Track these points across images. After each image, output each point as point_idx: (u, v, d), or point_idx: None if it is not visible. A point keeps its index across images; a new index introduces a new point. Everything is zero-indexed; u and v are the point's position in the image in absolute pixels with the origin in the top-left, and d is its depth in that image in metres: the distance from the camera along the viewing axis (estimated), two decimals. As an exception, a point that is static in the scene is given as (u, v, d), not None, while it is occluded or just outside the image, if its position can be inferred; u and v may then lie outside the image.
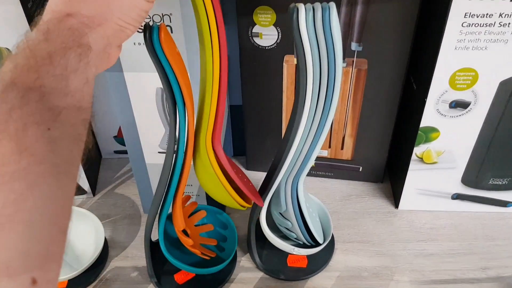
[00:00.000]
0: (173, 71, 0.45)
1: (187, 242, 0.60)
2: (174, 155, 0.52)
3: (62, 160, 0.29)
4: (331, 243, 0.70)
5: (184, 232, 0.62)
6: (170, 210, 0.58)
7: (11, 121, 0.27)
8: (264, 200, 0.61)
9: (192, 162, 0.54)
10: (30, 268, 0.27)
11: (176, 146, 0.52)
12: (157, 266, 0.65)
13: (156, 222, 0.60)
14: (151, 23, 0.43)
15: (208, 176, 0.55)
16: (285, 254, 0.68)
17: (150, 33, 0.42)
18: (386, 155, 0.76)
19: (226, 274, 0.66)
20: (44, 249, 0.28)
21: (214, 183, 0.56)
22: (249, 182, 0.62)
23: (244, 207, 0.59)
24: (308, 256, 0.68)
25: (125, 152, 0.87)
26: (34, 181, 0.27)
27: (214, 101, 0.50)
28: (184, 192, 0.58)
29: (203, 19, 0.44)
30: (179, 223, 0.58)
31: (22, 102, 0.27)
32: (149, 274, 0.66)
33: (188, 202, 0.63)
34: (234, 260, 0.68)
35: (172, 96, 0.47)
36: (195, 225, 0.66)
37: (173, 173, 0.54)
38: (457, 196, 0.73)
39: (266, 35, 0.64)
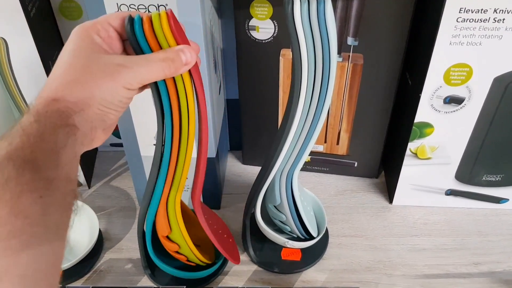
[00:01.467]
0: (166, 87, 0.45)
1: (172, 247, 0.59)
2: (159, 163, 0.52)
3: (53, 224, 0.32)
4: (325, 237, 0.70)
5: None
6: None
7: (7, 189, 0.30)
8: (259, 193, 0.61)
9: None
10: None
11: (161, 153, 0.51)
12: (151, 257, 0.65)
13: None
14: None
15: (174, 229, 0.57)
16: (279, 248, 0.68)
17: (132, 25, 0.40)
18: (381, 150, 0.76)
19: (220, 267, 0.66)
20: None
21: (178, 238, 0.58)
22: (229, 238, 0.64)
23: (204, 263, 0.62)
24: (302, 250, 0.68)
25: (121, 145, 0.87)
26: (28, 240, 0.30)
27: (188, 159, 0.51)
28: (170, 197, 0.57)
29: (181, 91, 0.46)
30: (164, 229, 0.57)
31: (17, 173, 0.31)
32: (143, 266, 0.66)
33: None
34: (225, 261, 0.67)
35: (160, 100, 0.47)
36: None
37: (158, 174, 0.53)
38: (451, 192, 0.73)
39: (263, 28, 0.64)
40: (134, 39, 0.40)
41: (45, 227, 0.32)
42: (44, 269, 0.31)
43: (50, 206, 0.32)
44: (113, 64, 0.38)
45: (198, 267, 0.64)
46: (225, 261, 0.67)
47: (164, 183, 0.53)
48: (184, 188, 0.54)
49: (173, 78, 0.45)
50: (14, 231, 0.30)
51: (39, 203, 0.31)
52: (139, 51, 0.41)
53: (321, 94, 0.51)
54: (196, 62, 0.44)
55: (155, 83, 0.45)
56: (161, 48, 0.41)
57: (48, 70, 0.64)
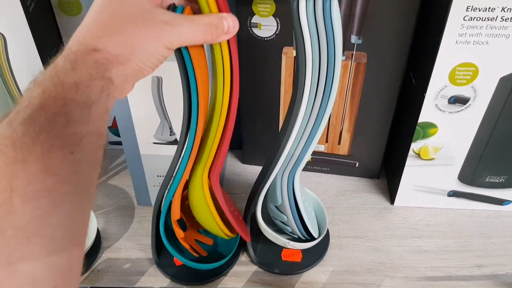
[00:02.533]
0: (192, 63, 0.44)
1: (178, 233, 0.60)
2: (185, 144, 0.52)
3: (83, 182, 0.31)
4: (326, 238, 0.70)
5: (182, 224, 0.61)
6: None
7: (38, 143, 0.29)
8: (260, 193, 0.60)
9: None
10: (53, 280, 0.29)
11: (186, 135, 0.51)
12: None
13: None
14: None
15: (199, 204, 0.56)
16: (279, 248, 0.67)
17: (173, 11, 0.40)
18: (383, 151, 0.75)
19: (225, 267, 0.65)
20: (65, 262, 0.30)
21: (204, 211, 0.57)
22: (239, 216, 0.63)
23: (228, 236, 0.61)
24: (303, 251, 0.67)
25: (119, 143, 0.86)
26: (57, 200, 0.29)
27: (217, 137, 0.51)
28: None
29: (218, 61, 0.45)
30: (175, 213, 0.57)
31: (49, 126, 0.30)
32: (152, 248, 0.66)
33: None
34: (235, 255, 0.67)
35: (188, 90, 0.47)
36: (196, 220, 0.65)
37: (180, 161, 0.53)
38: (453, 193, 0.73)
39: (265, 25, 0.63)
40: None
41: (75, 185, 0.31)
42: (73, 229, 0.30)
43: (81, 163, 0.31)
44: (159, 20, 0.37)
45: (211, 256, 0.64)
46: (233, 256, 0.66)
47: (187, 162, 0.53)
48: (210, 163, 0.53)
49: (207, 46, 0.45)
50: (44, 189, 0.29)
51: (70, 159, 0.30)
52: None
53: (325, 93, 0.50)
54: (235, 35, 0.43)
55: (180, 51, 0.44)
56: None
57: (46, 65, 0.63)
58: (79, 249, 0.32)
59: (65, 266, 0.30)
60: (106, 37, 0.35)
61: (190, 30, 0.39)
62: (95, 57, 0.34)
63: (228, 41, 0.43)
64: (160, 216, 0.60)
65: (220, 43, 0.43)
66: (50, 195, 0.29)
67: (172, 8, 0.40)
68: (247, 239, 0.63)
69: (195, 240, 0.65)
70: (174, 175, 0.55)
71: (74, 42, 0.35)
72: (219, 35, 0.41)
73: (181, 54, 0.44)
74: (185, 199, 0.60)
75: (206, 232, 0.66)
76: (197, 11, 0.41)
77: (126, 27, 0.35)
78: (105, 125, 0.35)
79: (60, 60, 0.33)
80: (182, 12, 0.40)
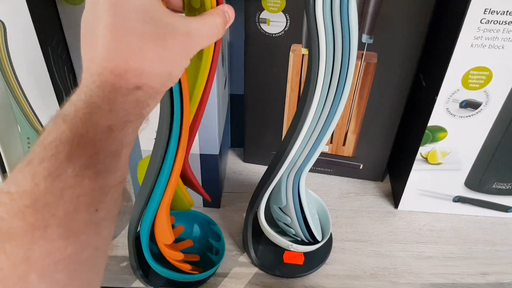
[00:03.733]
0: None
1: (177, 256, 0.55)
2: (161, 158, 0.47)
3: (103, 242, 0.28)
4: (329, 241, 0.68)
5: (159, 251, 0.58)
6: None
7: (62, 203, 0.26)
8: (263, 194, 0.58)
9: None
10: None
11: (165, 149, 0.46)
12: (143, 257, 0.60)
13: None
14: None
15: None
16: (281, 250, 0.65)
17: None
18: (388, 153, 0.74)
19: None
20: None
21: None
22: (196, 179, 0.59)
23: (191, 204, 0.56)
24: (305, 253, 0.66)
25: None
26: (75, 270, 0.26)
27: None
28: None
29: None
30: (168, 236, 0.52)
31: (75, 181, 0.26)
32: (132, 267, 0.62)
33: None
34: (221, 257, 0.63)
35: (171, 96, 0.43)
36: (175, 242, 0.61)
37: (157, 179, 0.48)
38: (459, 199, 0.71)
39: (274, 21, 0.61)
40: None
41: (95, 248, 0.27)
42: None
43: (104, 221, 0.28)
44: (183, 34, 0.32)
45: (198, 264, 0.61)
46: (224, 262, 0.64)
47: (170, 175, 0.48)
48: None
49: None
50: (63, 260, 0.25)
51: (94, 220, 0.27)
52: None
53: (336, 94, 0.48)
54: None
55: None
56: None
57: (46, 55, 0.61)
58: None
59: None
60: (146, 69, 0.29)
61: (209, 36, 0.35)
62: (137, 95, 0.29)
63: None
64: (140, 241, 0.55)
65: None
66: (69, 266, 0.26)
67: None
68: (208, 197, 0.58)
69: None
70: (151, 190, 0.49)
71: (110, 73, 0.29)
72: (225, 30, 0.38)
73: None
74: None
75: (190, 249, 0.62)
76: None
77: (162, 52, 0.30)
78: (127, 168, 0.30)
79: (95, 96, 0.28)
80: None
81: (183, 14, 0.39)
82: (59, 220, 0.25)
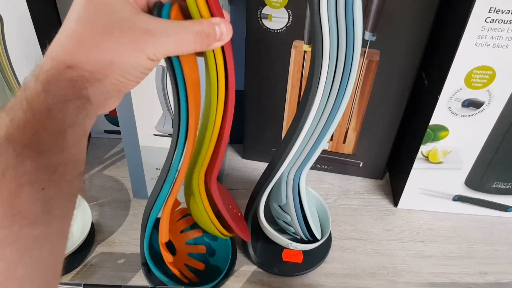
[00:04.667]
0: (183, 72, 0.39)
1: (166, 258, 0.55)
2: (170, 165, 0.48)
3: (56, 220, 0.28)
4: (328, 239, 0.68)
5: (172, 247, 0.58)
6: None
7: (5, 182, 0.26)
8: (263, 192, 0.58)
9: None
10: None
11: (173, 156, 0.47)
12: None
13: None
14: None
15: (195, 204, 0.53)
16: (280, 249, 0.65)
17: (159, 11, 0.35)
18: (388, 151, 0.73)
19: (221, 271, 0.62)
20: None
21: (200, 212, 0.53)
22: (240, 214, 0.60)
23: (226, 236, 0.57)
24: (304, 252, 0.65)
25: (115, 132, 0.83)
26: (25, 247, 0.26)
27: (214, 138, 0.47)
28: (177, 204, 0.54)
29: (212, 68, 0.41)
30: (163, 235, 0.53)
31: (17, 161, 0.27)
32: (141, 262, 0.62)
33: (184, 216, 0.59)
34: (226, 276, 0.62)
35: (178, 100, 0.42)
36: (186, 243, 0.61)
37: (165, 179, 0.49)
38: (459, 198, 0.71)
39: (276, 17, 0.60)
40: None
41: (46, 226, 0.27)
42: (44, 278, 0.27)
43: (53, 199, 0.28)
44: (140, 29, 0.32)
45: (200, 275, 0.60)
46: (222, 279, 0.62)
47: (175, 177, 0.49)
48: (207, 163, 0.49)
49: (201, 53, 0.40)
50: (10, 237, 0.25)
51: (40, 197, 0.27)
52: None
53: (339, 91, 0.48)
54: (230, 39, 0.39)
55: (170, 59, 0.39)
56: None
57: (44, 49, 0.60)
58: None
59: None
60: (80, 53, 0.31)
61: (178, 40, 0.34)
62: (69, 75, 0.30)
63: (222, 47, 0.39)
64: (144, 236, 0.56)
65: (213, 50, 0.39)
66: (17, 242, 0.26)
67: (158, 7, 0.35)
68: (247, 239, 0.60)
69: (185, 265, 0.61)
70: (160, 189, 0.51)
71: (46, 59, 0.31)
72: (211, 43, 0.36)
73: (171, 62, 0.39)
74: (174, 220, 0.57)
75: (198, 256, 0.62)
76: (186, 8, 0.36)
77: (103, 39, 0.31)
78: (83, 150, 0.31)
79: (30, 82, 0.30)
80: (169, 10, 0.35)
81: None
82: (2, 198, 0.26)
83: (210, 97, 0.44)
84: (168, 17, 0.35)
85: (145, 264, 0.61)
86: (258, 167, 0.80)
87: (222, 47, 0.39)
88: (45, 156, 0.28)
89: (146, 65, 0.33)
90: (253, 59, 0.67)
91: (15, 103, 0.29)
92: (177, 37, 0.34)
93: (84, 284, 0.54)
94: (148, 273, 0.62)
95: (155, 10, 0.35)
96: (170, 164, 0.48)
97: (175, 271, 0.57)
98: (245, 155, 0.81)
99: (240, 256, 0.66)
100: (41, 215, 0.27)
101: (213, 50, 0.39)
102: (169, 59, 0.39)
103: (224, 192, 0.59)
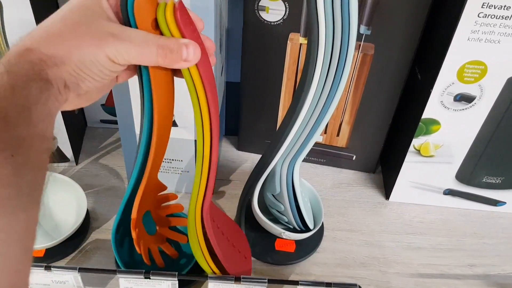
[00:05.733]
0: (150, 83, 0.41)
1: (133, 234, 0.55)
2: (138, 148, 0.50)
3: (26, 184, 0.30)
4: (320, 230, 0.69)
5: (153, 227, 0.58)
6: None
7: None
8: (258, 181, 0.59)
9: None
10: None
11: (139, 141, 0.49)
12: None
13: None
14: None
15: (192, 240, 0.54)
16: (273, 238, 0.66)
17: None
18: (381, 145, 0.74)
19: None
20: (11, 265, 0.29)
21: (194, 244, 0.54)
22: (243, 252, 0.60)
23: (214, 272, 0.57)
24: (297, 241, 0.66)
25: (111, 122, 0.84)
26: None
27: (204, 172, 0.48)
28: (160, 186, 0.55)
29: (190, 88, 0.42)
30: (133, 211, 0.53)
31: None
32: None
33: (174, 201, 0.59)
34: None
35: (142, 105, 0.45)
36: (169, 228, 0.61)
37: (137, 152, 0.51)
38: (449, 192, 0.72)
39: (273, 9, 0.61)
40: (125, 13, 0.37)
41: (17, 189, 0.29)
42: (17, 233, 0.29)
43: (23, 166, 0.30)
44: (105, 31, 0.35)
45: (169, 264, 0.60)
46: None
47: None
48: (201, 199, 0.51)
49: (174, 71, 0.42)
50: None
51: (10, 162, 0.29)
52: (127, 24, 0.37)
53: (334, 83, 0.49)
54: (208, 60, 0.41)
55: (140, 68, 0.41)
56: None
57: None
58: (27, 253, 0.30)
59: (13, 270, 0.29)
60: (43, 39, 0.33)
61: (140, 48, 0.36)
62: (29, 57, 0.32)
63: (197, 66, 0.40)
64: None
65: (188, 69, 0.40)
66: None
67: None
68: (248, 273, 0.59)
69: (158, 248, 0.60)
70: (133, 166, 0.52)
71: (11, 47, 0.33)
72: (175, 60, 0.37)
73: (141, 73, 0.41)
74: (159, 202, 0.57)
75: (175, 243, 0.62)
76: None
77: (67, 32, 0.34)
78: (49, 128, 0.33)
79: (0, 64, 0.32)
80: (133, 3, 0.36)
81: None
82: None
83: (196, 122, 0.45)
84: (133, 6, 0.36)
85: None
86: (252, 158, 0.81)
87: (197, 68, 0.40)
88: (12, 127, 0.30)
89: (105, 64, 0.35)
90: (250, 51, 0.67)
91: None
92: (140, 45, 0.36)
93: (79, 268, 0.55)
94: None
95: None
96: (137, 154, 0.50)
97: (141, 250, 0.56)
98: (240, 146, 0.82)
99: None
100: (12, 178, 0.29)
101: (188, 69, 0.40)
102: (139, 70, 0.41)
103: (230, 225, 0.59)
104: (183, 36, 0.37)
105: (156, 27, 0.38)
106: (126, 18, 0.37)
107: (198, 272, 0.59)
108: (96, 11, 0.35)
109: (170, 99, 0.45)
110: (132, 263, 0.59)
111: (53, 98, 0.33)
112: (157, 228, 0.58)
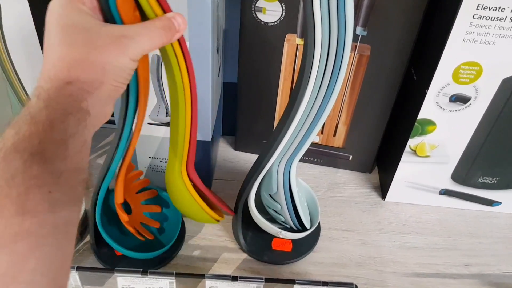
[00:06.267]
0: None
1: (122, 217, 0.58)
2: (121, 128, 0.51)
3: (62, 221, 0.31)
4: (317, 230, 0.69)
5: (127, 206, 0.61)
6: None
7: (14, 186, 0.28)
8: (254, 181, 0.59)
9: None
10: None
11: (123, 119, 0.50)
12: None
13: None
14: None
15: (183, 199, 0.57)
16: (270, 237, 0.66)
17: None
18: (378, 145, 0.75)
19: (172, 252, 0.65)
20: None
21: (189, 204, 0.57)
22: (219, 198, 0.63)
23: (218, 221, 0.61)
24: (293, 241, 0.67)
25: (109, 121, 0.84)
26: (36, 243, 0.29)
27: (187, 134, 0.51)
28: (131, 167, 0.58)
29: (173, 60, 0.44)
30: (118, 196, 0.56)
31: (24, 167, 0.29)
32: (90, 243, 0.64)
33: (142, 177, 0.61)
34: (177, 244, 0.66)
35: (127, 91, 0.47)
36: (142, 203, 0.65)
37: (118, 144, 0.52)
38: (445, 192, 0.73)
39: (270, 10, 0.62)
40: (107, 9, 0.38)
41: (54, 226, 0.30)
42: (53, 273, 0.30)
43: (59, 202, 0.30)
44: (116, 36, 0.36)
45: (151, 247, 0.62)
46: (177, 246, 0.66)
47: (124, 149, 0.53)
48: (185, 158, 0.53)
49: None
50: (21, 233, 0.28)
51: (47, 199, 0.29)
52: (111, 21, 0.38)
53: (330, 83, 0.49)
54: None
55: None
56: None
57: (41, 38, 0.61)
58: None
59: None
60: (75, 69, 0.34)
61: (149, 38, 0.38)
62: (69, 90, 0.33)
63: (178, 41, 0.43)
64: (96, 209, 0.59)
65: (172, 45, 0.43)
66: (28, 238, 0.28)
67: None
68: (232, 213, 0.64)
69: (141, 223, 0.63)
70: (112, 158, 0.54)
71: (44, 80, 0.33)
72: (173, 34, 0.40)
73: None
74: (130, 181, 0.60)
75: (152, 215, 0.65)
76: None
77: (89, 53, 0.34)
78: (84, 159, 0.34)
79: (33, 100, 0.32)
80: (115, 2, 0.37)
81: None
82: (12, 200, 0.28)
83: (176, 93, 0.47)
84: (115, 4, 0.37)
85: (94, 244, 0.63)
86: (249, 158, 0.81)
87: (178, 40, 0.42)
88: (50, 163, 0.30)
89: (130, 66, 0.37)
90: (247, 52, 0.68)
91: (19, 119, 0.31)
92: (148, 35, 0.38)
93: (77, 267, 0.55)
94: (99, 255, 0.64)
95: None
96: (121, 135, 0.52)
97: (131, 229, 0.60)
98: (237, 146, 0.82)
99: (230, 243, 0.67)
100: (49, 215, 0.29)
101: (171, 44, 0.42)
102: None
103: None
104: (165, 11, 0.39)
105: (138, 17, 0.39)
106: (110, 15, 0.38)
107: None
108: (88, 20, 0.36)
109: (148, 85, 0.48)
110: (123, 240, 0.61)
111: (89, 126, 0.34)
112: (132, 207, 0.62)
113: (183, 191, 0.56)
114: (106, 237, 0.59)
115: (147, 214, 0.65)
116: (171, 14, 0.39)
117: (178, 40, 0.42)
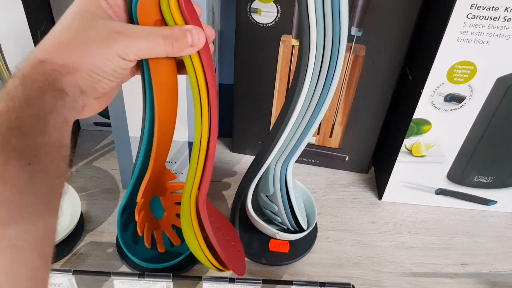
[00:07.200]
0: (150, 75, 0.43)
1: (136, 217, 0.56)
2: (142, 135, 0.51)
3: (43, 192, 0.31)
4: (314, 230, 0.69)
5: (161, 211, 0.60)
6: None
7: None
8: (251, 182, 0.59)
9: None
10: None
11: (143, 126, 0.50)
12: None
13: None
14: None
15: (187, 232, 0.53)
16: (267, 239, 0.66)
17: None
18: (374, 145, 0.75)
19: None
20: (30, 272, 0.29)
21: (191, 239, 0.53)
22: (237, 246, 0.60)
23: (221, 270, 0.57)
24: (290, 242, 0.67)
25: (105, 124, 0.84)
26: (17, 210, 0.29)
27: (201, 159, 0.49)
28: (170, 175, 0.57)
29: (191, 75, 0.43)
30: (139, 195, 0.55)
31: (3, 140, 0.29)
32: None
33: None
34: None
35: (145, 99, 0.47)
36: (175, 204, 0.62)
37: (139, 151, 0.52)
38: (441, 191, 0.73)
39: (265, 11, 0.62)
40: (130, 9, 0.38)
41: (34, 196, 0.30)
42: (36, 240, 0.30)
43: (39, 173, 0.30)
44: (112, 31, 0.36)
45: (167, 258, 0.61)
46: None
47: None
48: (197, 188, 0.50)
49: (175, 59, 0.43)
50: (1, 200, 0.28)
51: (27, 170, 0.29)
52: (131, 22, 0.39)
53: (325, 84, 0.49)
54: (208, 47, 0.41)
55: (142, 62, 0.43)
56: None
57: (36, 39, 0.60)
58: (45, 260, 0.31)
59: (31, 276, 0.29)
60: (54, 50, 0.34)
61: (147, 41, 0.37)
62: (42, 68, 0.33)
63: (199, 53, 0.41)
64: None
65: (190, 56, 0.41)
66: (9, 205, 0.28)
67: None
68: (238, 272, 0.57)
69: (162, 232, 0.62)
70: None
71: (24, 61, 0.34)
72: (182, 48, 0.39)
73: (142, 66, 0.43)
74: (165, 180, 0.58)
75: (179, 231, 0.61)
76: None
77: (76, 39, 0.35)
78: (65, 136, 0.34)
79: (10, 80, 0.33)
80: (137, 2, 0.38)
81: None
82: None
83: (195, 107, 0.46)
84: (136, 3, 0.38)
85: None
86: (246, 160, 0.81)
87: (199, 54, 0.41)
88: (29, 136, 0.30)
89: (117, 62, 0.36)
90: (242, 53, 0.68)
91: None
92: (147, 38, 0.37)
93: (74, 271, 0.55)
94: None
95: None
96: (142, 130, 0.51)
97: (144, 232, 0.58)
98: (233, 148, 0.82)
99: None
100: (29, 185, 0.30)
101: (190, 57, 0.41)
102: (141, 64, 0.42)
103: (220, 218, 0.59)
104: (187, 22, 0.39)
105: (159, 23, 0.39)
106: (130, 17, 0.38)
107: (195, 259, 0.60)
108: (97, 13, 0.36)
109: (174, 89, 0.46)
110: (134, 247, 0.60)
111: (69, 106, 0.34)
112: (165, 214, 0.60)
113: (188, 224, 0.52)
114: (121, 241, 0.59)
115: (174, 228, 0.62)
116: (189, 26, 0.39)
117: (199, 54, 0.41)
